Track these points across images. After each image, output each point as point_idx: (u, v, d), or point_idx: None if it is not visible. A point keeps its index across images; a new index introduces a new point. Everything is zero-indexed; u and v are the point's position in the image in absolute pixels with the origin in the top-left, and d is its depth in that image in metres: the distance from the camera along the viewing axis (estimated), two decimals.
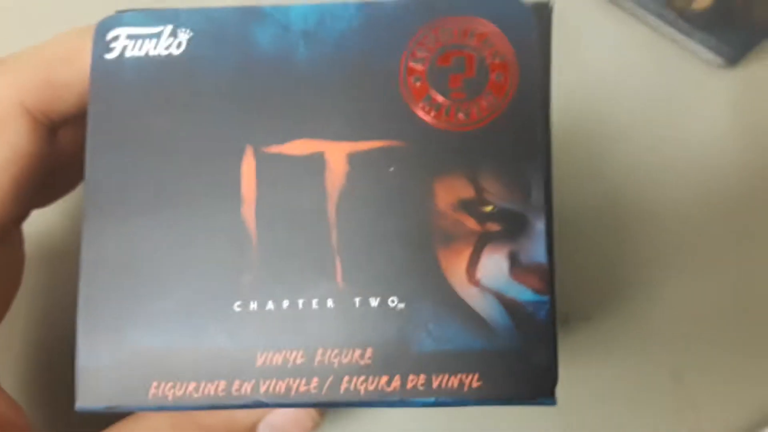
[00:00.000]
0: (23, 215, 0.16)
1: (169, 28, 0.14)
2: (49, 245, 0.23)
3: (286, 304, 0.13)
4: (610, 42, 0.27)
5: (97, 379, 0.13)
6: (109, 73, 0.14)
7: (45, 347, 0.22)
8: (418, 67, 0.13)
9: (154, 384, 0.13)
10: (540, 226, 0.13)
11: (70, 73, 0.15)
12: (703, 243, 0.25)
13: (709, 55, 0.26)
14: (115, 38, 0.14)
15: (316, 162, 0.13)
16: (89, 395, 0.13)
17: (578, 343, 0.25)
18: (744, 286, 0.25)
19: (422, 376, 0.13)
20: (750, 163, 0.26)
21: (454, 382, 0.12)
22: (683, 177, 0.26)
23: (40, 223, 0.21)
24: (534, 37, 0.13)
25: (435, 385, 0.12)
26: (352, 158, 0.13)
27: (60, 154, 0.16)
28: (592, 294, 0.25)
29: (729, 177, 0.26)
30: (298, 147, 0.13)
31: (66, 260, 0.22)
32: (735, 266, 0.25)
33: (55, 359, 0.22)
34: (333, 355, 0.13)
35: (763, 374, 0.24)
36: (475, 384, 0.12)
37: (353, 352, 0.13)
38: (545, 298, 0.13)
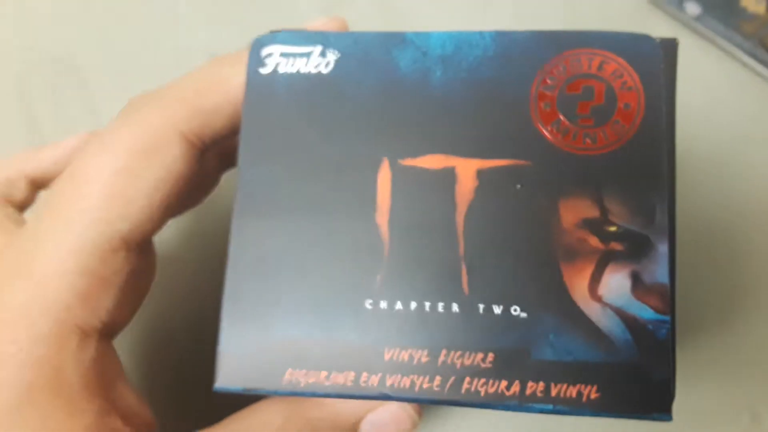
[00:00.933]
0: (162, 226, 0.18)
1: (319, 48, 0.15)
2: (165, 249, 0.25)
3: (413, 305, 0.14)
4: (704, 78, 0.27)
5: (237, 362, 0.14)
6: (262, 86, 0.15)
7: (162, 343, 0.24)
8: (549, 93, 0.14)
9: (289, 371, 0.14)
10: (663, 248, 0.13)
11: (218, 99, 0.17)
12: None
13: None
14: (269, 55, 0.15)
15: (448, 176, 0.14)
16: (228, 377, 0.14)
17: None
18: None
19: (541, 384, 0.13)
20: None
21: (573, 391, 0.13)
22: (764, 218, 0.26)
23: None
24: (661, 69, 0.14)
25: (554, 393, 0.13)
26: (482, 174, 0.14)
27: (204, 171, 0.18)
28: (687, 323, 0.25)
29: None
30: (432, 161, 0.14)
31: (173, 264, 0.24)
32: None
33: (173, 353, 0.23)
34: (456, 357, 0.13)
35: None
36: (593, 395, 0.13)
37: (475, 355, 0.13)
38: (666, 317, 0.13)
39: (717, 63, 0.27)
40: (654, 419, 0.13)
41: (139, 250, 0.17)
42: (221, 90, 0.17)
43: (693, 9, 0.27)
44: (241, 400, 0.15)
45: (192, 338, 0.23)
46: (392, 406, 0.16)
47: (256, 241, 0.14)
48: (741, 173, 0.26)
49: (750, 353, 0.24)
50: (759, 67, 0.26)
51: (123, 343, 0.18)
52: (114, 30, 0.29)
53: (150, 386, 0.23)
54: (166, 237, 0.25)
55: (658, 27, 0.28)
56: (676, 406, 0.25)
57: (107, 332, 0.16)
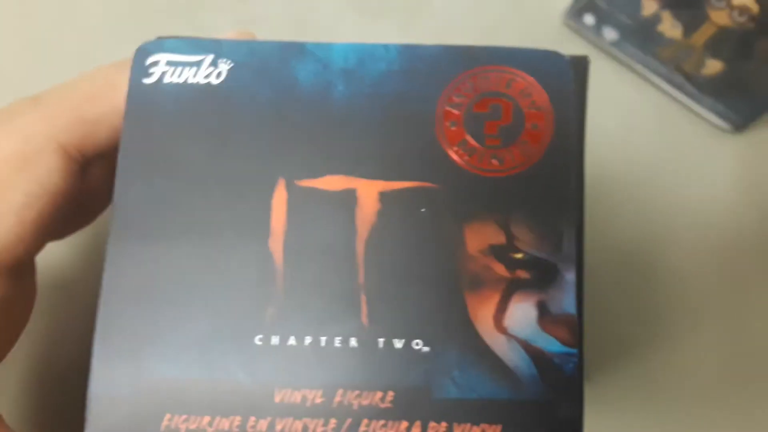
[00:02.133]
0: (41, 248, 0.16)
1: (210, 57, 0.14)
2: (52, 275, 0.22)
3: (308, 340, 0.13)
4: (622, 103, 0.27)
5: (109, 407, 0.12)
6: (146, 98, 0.14)
7: (46, 378, 0.21)
8: (455, 111, 0.13)
9: (167, 416, 0.12)
10: (570, 276, 0.13)
11: (104, 108, 0.15)
12: (710, 304, 0.25)
13: (718, 120, 0.26)
14: (155, 63, 0.14)
15: (348, 198, 0.13)
16: (100, 424, 0.12)
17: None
18: (756, 345, 0.25)
19: (443, 424, 0.12)
20: (755, 225, 0.26)
21: None
22: (689, 239, 0.26)
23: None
24: (571, 89, 0.13)
25: None
26: (384, 197, 0.13)
27: (88, 188, 0.16)
28: (597, 355, 0.25)
29: (734, 239, 0.26)
30: (331, 182, 0.13)
31: (69, 290, 0.22)
32: (745, 327, 0.25)
33: (57, 390, 0.21)
34: (353, 396, 0.12)
35: None
36: None
37: (374, 394, 0.12)
38: (573, 350, 0.12)
39: (633, 88, 0.27)
40: None
41: (9, 274, 0.15)
42: (106, 98, 0.15)
43: (610, 34, 0.27)
44: None
45: (85, 376, 0.21)
46: None
47: (134, 270, 0.13)
48: (656, 197, 0.26)
49: (676, 377, 0.24)
50: (675, 92, 0.27)
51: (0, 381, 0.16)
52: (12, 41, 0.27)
53: (29, 421, 0.21)
54: (56, 258, 0.23)
55: (576, 52, 0.28)
56: None
57: None
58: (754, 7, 0.23)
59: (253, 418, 0.12)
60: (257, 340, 0.13)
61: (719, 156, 0.27)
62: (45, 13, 0.27)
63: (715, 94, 0.26)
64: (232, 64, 0.14)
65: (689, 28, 0.24)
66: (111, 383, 0.12)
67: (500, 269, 0.13)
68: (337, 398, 0.12)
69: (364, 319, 0.13)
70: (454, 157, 0.13)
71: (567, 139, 0.13)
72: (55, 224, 0.15)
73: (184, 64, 0.14)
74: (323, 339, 0.13)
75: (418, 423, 0.12)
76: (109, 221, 0.13)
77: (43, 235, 0.15)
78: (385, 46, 0.14)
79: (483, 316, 0.13)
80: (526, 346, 0.12)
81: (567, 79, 0.13)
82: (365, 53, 0.14)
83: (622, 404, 0.24)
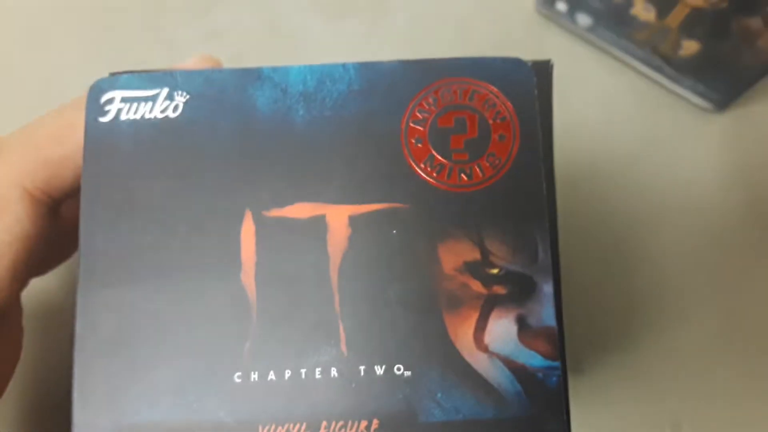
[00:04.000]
0: (22, 288, 0.16)
1: (166, 90, 0.13)
2: (40, 307, 0.22)
3: (288, 373, 0.12)
4: (600, 89, 0.27)
5: None
6: (103, 137, 0.13)
7: (44, 406, 0.21)
8: (420, 128, 0.13)
9: None
10: (548, 288, 0.12)
11: (66, 148, 0.15)
12: (696, 288, 0.25)
13: (699, 101, 0.26)
14: (110, 101, 0.13)
15: (318, 225, 0.13)
16: None
17: (574, 396, 0.24)
18: (740, 330, 0.25)
19: None
20: (741, 205, 0.26)
21: None
22: (675, 222, 0.26)
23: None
24: (535, 96, 0.13)
25: None
26: (355, 221, 0.13)
27: (63, 225, 0.16)
28: (585, 346, 0.25)
29: (721, 219, 0.26)
30: (299, 210, 0.13)
31: (60, 321, 0.22)
32: (730, 310, 0.25)
33: (54, 420, 0.21)
34: (338, 427, 0.12)
35: (762, 423, 0.24)
36: None
37: (359, 423, 0.12)
38: (556, 363, 0.12)
39: (612, 73, 0.27)
40: None
41: None
42: (69, 139, 0.15)
43: (584, 20, 0.26)
44: None
45: None
46: None
47: (106, 316, 0.13)
48: (640, 182, 0.26)
49: (664, 366, 0.24)
50: (654, 75, 0.26)
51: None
52: None
53: None
54: (47, 284, 0.22)
55: (552, 40, 0.27)
56: (597, 428, 0.24)
57: None
58: None
59: None
60: (236, 377, 0.12)
61: (703, 136, 0.26)
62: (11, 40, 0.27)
63: (694, 74, 0.25)
64: (188, 96, 0.13)
65: (663, 11, 0.24)
66: (93, 430, 0.12)
67: (477, 286, 0.13)
68: (322, 430, 0.12)
69: (343, 347, 0.12)
70: (422, 174, 0.13)
71: (534, 147, 0.13)
72: (32, 265, 0.15)
73: (140, 100, 0.13)
74: (303, 371, 0.12)
75: None
76: (77, 269, 0.13)
77: (20, 278, 0.15)
78: (344, 66, 0.13)
79: (463, 335, 0.12)
80: (508, 363, 0.12)
81: (530, 86, 0.13)
82: (324, 75, 0.13)
83: (612, 394, 0.24)
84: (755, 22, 0.22)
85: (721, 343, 0.24)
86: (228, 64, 0.27)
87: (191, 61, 0.16)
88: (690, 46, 0.24)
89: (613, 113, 0.27)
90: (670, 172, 0.26)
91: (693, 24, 0.23)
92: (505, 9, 0.28)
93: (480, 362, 0.12)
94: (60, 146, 0.15)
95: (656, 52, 0.25)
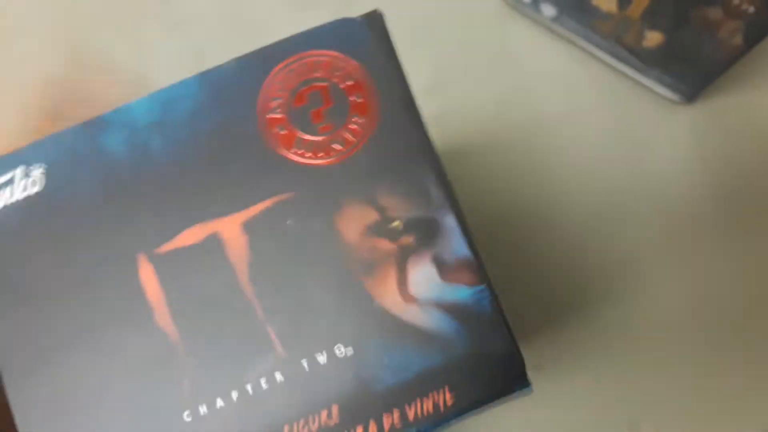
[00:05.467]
0: None
1: (20, 170, 0.13)
2: None
3: (235, 395, 0.12)
4: (566, 81, 0.26)
5: None
6: None
7: None
8: (277, 116, 0.13)
9: None
10: (450, 221, 0.12)
11: None
12: (660, 282, 0.25)
13: (666, 92, 0.26)
14: None
15: (214, 244, 0.13)
16: None
17: (535, 393, 0.24)
18: (701, 329, 0.24)
19: (396, 412, 0.12)
20: (709, 195, 0.26)
21: (429, 405, 0.12)
22: (645, 213, 0.25)
23: None
24: (374, 47, 0.13)
25: (411, 416, 0.12)
26: (248, 226, 0.13)
27: None
28: (545, 343, 0.24)
29: (690, 209, 0.25)
30: (190, 236, 0.13)
31: None
32: (694, 306, 0.24)
33: None
34: (301, 427, 0.12)
35: (720, 421, 0.24)
36: (449, 400, 0.12)
37: (318, 415, 0.12)
38: (481, 286, 0.12)
39: (578, 63, 0.26)
40: (516, 395, 0.12)
41: None
42: None
43: (549, 10, 0.26)
44: None
45: None
46: None
47: (41, 400, 0.12)
48: (609, 174, 0.25)
49: (624, 365, 0.24)
50: (621, 66, 0.26)
51: None
52: None
53: None
54: None
55: (518, 30, 0.27)
56: (557, 427, 0.24)
57: None
58: None
59: None
60: (186, 416, 0.12)
61: (672, 128, 0.26)
62: None
63: (660, 65, 0.25)
64: (44, 166, 0.13)
65: (624, 1, 0.23)
66: None
67: (385, 244, 0.13)
68: None
69: (279, 349, 0.12)
70: (296, 158, 0.13)
71: (394, 95, 0.13)
72: None
73: None
74: (249, 387, 0.12)
75: (372, 422, 0.12)
76: None
77: None
78: (183, 83, 0.13)
79: (388, 294, 0.12)
80: (439, 305, 0.12)
81: (368, 40, 0.13)
82: (167, 99, 0.13)
83: (571, 395, 0.24)
84: (714, 12, 0.22)
85: (683, 341, 0.24)
86: (192, 57, 0.26)
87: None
88: (654, 37, 0.24)
89: (580, 104, 0.26)
90: (637, 165, 0.25)
91: (654, 14, 0.23)
92: (470, 1, 0.27)
93: (413, 314, 0.12)
94: None
95: (621, 43, 0.25)
